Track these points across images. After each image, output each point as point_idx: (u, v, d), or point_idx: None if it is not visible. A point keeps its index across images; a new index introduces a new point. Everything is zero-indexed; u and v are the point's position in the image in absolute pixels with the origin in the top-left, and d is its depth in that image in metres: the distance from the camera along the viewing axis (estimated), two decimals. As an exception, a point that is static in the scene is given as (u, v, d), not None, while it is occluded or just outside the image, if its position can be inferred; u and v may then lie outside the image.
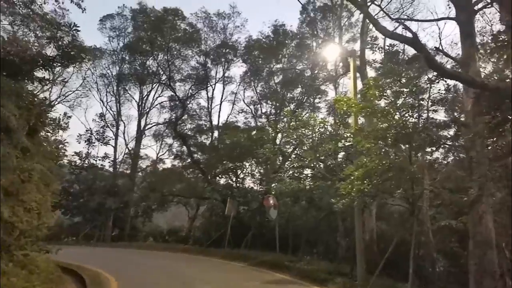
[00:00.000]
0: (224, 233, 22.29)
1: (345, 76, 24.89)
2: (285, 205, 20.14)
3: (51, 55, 11.40)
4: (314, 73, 28.15)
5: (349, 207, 11.85)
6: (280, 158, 20.94)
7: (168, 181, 30.66)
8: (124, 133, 35.86)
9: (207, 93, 33.06)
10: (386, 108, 10.56)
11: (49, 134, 13.22)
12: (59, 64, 11.72)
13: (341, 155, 18.46)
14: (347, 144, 13.91)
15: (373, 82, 10.58)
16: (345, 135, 13.57)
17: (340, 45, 14.34)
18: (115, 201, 29.89)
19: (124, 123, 36.19)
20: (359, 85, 14.70)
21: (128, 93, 34.82)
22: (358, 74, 15.21)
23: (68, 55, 11.34)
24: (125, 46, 29.97)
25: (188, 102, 31.58)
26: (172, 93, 30.87)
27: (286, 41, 28.95)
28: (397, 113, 10.49)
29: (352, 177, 11.06)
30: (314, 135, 14.57)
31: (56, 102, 35.10)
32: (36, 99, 11.62)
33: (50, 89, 35.16)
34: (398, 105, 10.46)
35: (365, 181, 10.83)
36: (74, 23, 11.04)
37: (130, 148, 34.75)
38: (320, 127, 13.98)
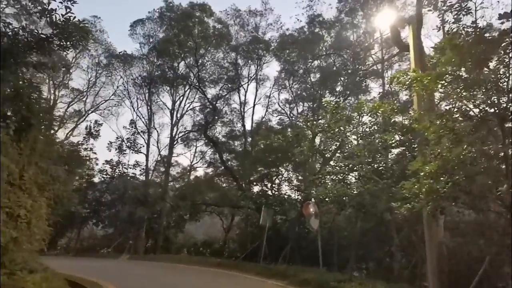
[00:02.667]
0: (260, 245, 19.89)
1: (396, 58, 21.85)
2: (328, 214, 17.38)
3: (44, 34, 9.74)
4: (356, 67, 25.20)
5: (415, 213, 9.10)
6: (320, 159, 18.22)
7: (200, 190, 28.87)
8: (157, 142, 34.66)
9: (239, 96, 31.15)
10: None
11: (52, 130, 11.57)
12: (56, 46, 9.97)
13: (391, 155, 15.56)
14: (404, 136, 11.05)
15: (450, 41, 7.81)
16: (404, 123, 10.73)
17: (393, 13, 11.67)
18: (146, 211, 28.37)
19: (157, 131, 35.06)
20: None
21: (160, 100, 33.70)
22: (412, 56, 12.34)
23: (65, 32, 9.58)
24: (153, 48, 28.66)
25: (218, 105, 29.70)
26: (202, 95, 29.09)
27: (323, 33, 26.31)
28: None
29: (422, 173, 8.31)
30: (362, 127, 11.91)
31: (90, 112, 35.06)
32: (27, 83, 9.98)
33: (85, 100, 35.19)
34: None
35: (442, 178, 8.04)
36: (69, -10, 9.19)
37: (162, 156, 33.35)
38: (371, 113, 11.24)
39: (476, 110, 8.30)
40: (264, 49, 27.61)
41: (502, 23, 7.42)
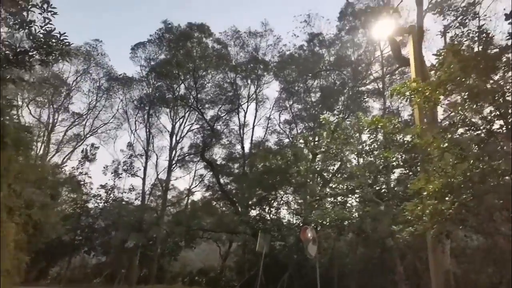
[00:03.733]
0: (257, 273, 18.74)
1: (398, 76, 21.33)
2: (327, 239, 16.35)
3: (22, 47, 9.23)
4: (356, 86, 24.70)
5: (419, 238, 8.21)
6: (319, 181, 17.37)
7: (196, 215, 27.84)
8: (156, 165, 33.89)
9: (238, 117, 30.62)
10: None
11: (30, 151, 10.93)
12: (37, 61, 9.43)
13: (394, 176, 14.70)
14: (406, 153, 10.28)
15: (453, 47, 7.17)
16: (405, 139, 9.97)
17: (393, 25, 11.13)
18: (140, 238, 27.24)
19: (156, 154, 34.34)
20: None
21: (160, 122, 33.20)
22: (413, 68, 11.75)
23: (44, 45, 9.05)
24: (152, 70, 28.40)
25: (218, 126, 29.16)
26: (200, 116, 28.58)
27: (323, 52, 26.06)
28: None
29: (425, 193, 7.49)
30: (361, 145, 11.16)
31: (88, 135, 34.61)
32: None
33: (84, 123, 34.82)
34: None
35: (447, 198, 7.21)
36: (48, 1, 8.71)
37: (160, 180, 32.49)
38: (370, 128, 10.52)
39: (483, 122, 7.59)
40: (263, 69, 27.31)
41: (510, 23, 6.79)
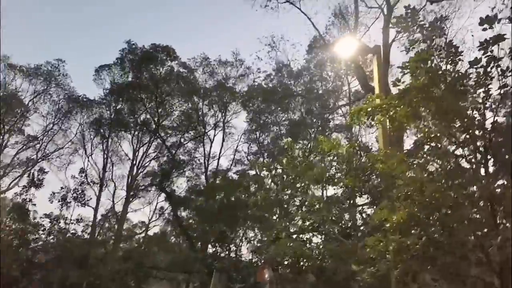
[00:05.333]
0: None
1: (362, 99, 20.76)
2: (283, 281, 14.65)
3: None
4: (325, 120, 24.09)
5: (383, 280, 6.84)
6: (278, 213, 15.89)
7: (151, 251, 25.52)
8: (113, 195, 31.34)
9: (203, 147, 29.21)
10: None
11: None
12: None
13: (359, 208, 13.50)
14: (369, 180, 9.10)
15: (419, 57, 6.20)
16: (368, 165, 8.82)
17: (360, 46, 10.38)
18: (84, 275, 24.41)
19: (114, 183, 31.92)
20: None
21: (121, 148, 31.14)
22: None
23: None
24: (113, 92, 26.83)
25: (179, 155, 27.56)
26: (161, 142, 26.92)
27: (291, 82, 25.56)
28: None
29: (388, 225, 6.22)
30: (324, 171, 9.95)
31: (40, 160, 32.02)
32: None
33: (39, 147, 32.33)
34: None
35: (413, 230, 5.98)
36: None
37: (114, 211, 29.98)
38: (330, 153, 9.38)
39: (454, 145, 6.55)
40: (230, 97, 26.41)
41: (484, 29, 5.94)
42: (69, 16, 57.39)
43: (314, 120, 23.62)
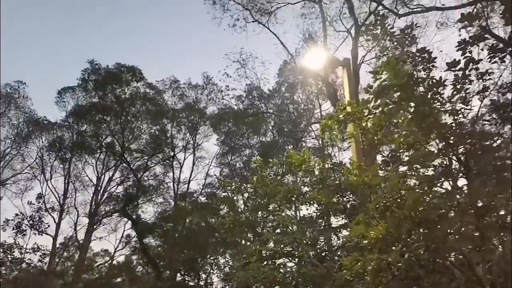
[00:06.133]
0: None
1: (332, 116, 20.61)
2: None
3: None
4: (297, 142, 23.74)
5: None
6: (249, 236, 14.97)
7: (113, 282, 23.71)
8: (75, 223, 29.27)
9: (173, 171, 28.10)
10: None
11: None
12: None
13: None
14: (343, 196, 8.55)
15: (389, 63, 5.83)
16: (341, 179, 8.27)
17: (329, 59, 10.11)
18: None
19: (76, 209, 29.93)
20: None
21: (84, 172, 29.40)
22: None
23: None
24: (74, 113, 25.51)
25: (148, 179, 26.28)
26: (126, 166, 25.60)
27: (261, 105, 25.26)
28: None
29: (366, 241, 5.61)
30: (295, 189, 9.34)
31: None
32: None
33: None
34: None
35: (394, 247, 5.40)
36: None
37: (74, 239, 28.01)
38: (302, 169, 8.81)
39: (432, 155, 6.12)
40: (200, 118, 25.71)
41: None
42: (30, 33, 54.98)
43: (286, 140, 23.18)
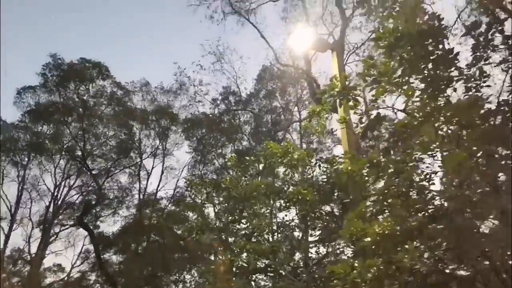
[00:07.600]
0: None
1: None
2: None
3: None
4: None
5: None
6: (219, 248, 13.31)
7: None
8: (29, 236, 26.47)
9: (139, 181, 26.12)
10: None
11: None
12: None
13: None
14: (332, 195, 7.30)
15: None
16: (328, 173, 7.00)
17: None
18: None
19: (31, 219, 27.17)
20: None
21: (42, 180, 26.85)
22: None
23: None
24: (30, 112, 23.25)
25: (108, 187, 24.21)
26: (86, 171, 23.43)
27: (238, 113, 24.02)
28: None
29: (369, 239, 4.36)
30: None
31: None
32: None
33: None
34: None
35: (399, 248, 4.17)
36: None
37: (22, 252, 25.30)
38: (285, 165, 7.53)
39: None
40: (170, 122, 24.06)
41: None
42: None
43: (263, 145, 21.91)
